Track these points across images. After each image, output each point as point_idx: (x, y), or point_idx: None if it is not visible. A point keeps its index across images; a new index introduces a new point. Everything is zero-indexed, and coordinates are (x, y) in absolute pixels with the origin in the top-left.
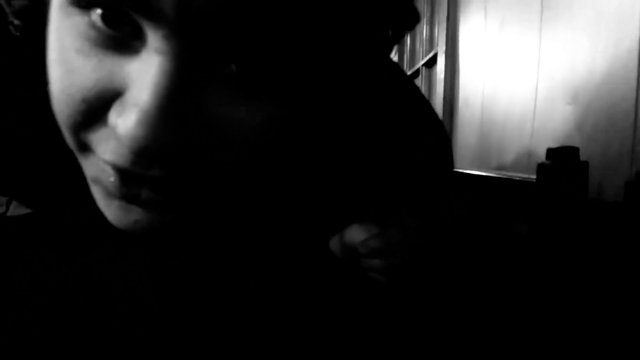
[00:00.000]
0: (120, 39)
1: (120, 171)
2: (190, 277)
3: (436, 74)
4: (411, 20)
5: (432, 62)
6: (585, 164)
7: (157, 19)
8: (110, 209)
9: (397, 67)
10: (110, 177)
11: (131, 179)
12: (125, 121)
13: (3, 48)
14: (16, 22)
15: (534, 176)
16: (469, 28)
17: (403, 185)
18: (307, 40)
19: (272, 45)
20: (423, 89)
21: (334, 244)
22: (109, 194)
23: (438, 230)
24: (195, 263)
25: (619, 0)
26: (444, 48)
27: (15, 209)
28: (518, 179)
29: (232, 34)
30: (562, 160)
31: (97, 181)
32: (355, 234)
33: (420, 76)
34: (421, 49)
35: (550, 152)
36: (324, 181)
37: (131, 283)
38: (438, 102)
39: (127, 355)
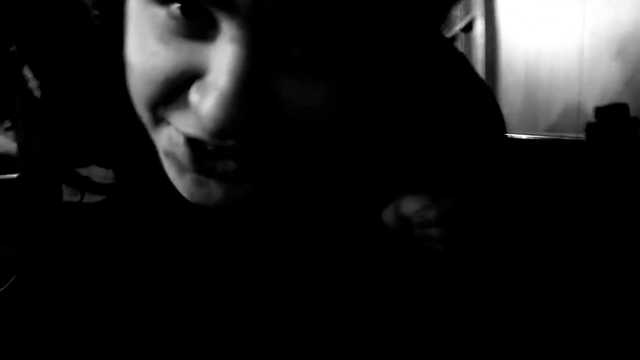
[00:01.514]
0: (197, 28)
1: (197, 144)
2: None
3: (475, 38)
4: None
5: (469, 27)
6: (636, 120)
7: (231, 10)
8: (184, 183)
9: (447, 42)
10: (185, 150)
11: (207, 152)
12: (207, 102)
13: (84, 35)
14: (95, 12)
15: (583, 135)
16: None
17: (454, 154)
18: (361, 22)
19: (332, 28)
20: None
21: (386, 215)
22: (182, 168)
23: (492, 198)
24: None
25: None
26: (482, 11)
27: (89, 197)
28: (568, 139)
29: (298, 21)
30: (611, 118)
31: (170, 154)
32: (409, 204)
33: (458, 42)
34: (457, 14)
35: (598, 110)
36: (375, 155)
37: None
38: (479, 68)
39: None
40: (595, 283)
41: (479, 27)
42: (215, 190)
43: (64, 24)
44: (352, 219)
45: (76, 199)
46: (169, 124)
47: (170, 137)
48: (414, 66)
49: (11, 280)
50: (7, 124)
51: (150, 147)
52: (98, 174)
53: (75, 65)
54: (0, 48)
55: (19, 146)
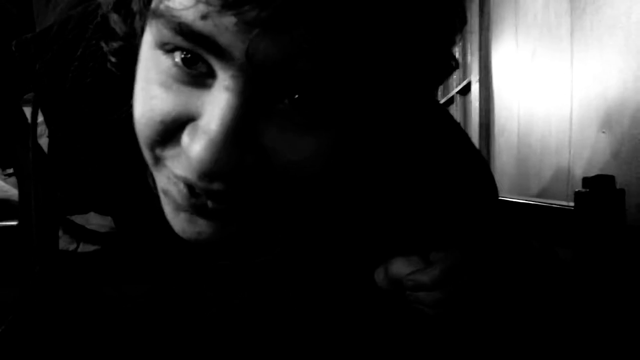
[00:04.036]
0: (196, 76)
1: (187, 185)
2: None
3: (471, 101)
4: (451, 68)
5: (466, 90)
6: (622, 191)
7: (227, 60)
8: (177, 220)
9: (438, 105)
10: (180, 188)
11: (198, 191)
12: (196, 145)
13: (100, 81)
14: (113, 59)
15: (572, 203)
16: (501, 57)
17: (446, 217)
18: (352, 79)
19: (323, 82)
20: (458, 116)
21: (378, 275)
22: (177, 207)
23: (485, 261)
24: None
25: None
26: (477, 77)
27: (84, 247)
28: (557, 206)
29: (290, 74)
30: (598, 189)
31: (167, 193)
32: (400, 267)
33: (454, 103)
34: (455, 76)
35: (586, 180)
36: (365, 210)
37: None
38: (474, 129)
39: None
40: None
41: (475, 91)
42: (205, 228)
43: (83, 70)
44: (344, 275)
45: (72, 247)
46: (165, 165)
47: (168, 177)
48: (408, 127)
49: (6, 323)
50: (9, 170)
51: (147, 194)
52: (96, 222)
53: (88, 114)
54: (12, 96)
55: (21, 193)
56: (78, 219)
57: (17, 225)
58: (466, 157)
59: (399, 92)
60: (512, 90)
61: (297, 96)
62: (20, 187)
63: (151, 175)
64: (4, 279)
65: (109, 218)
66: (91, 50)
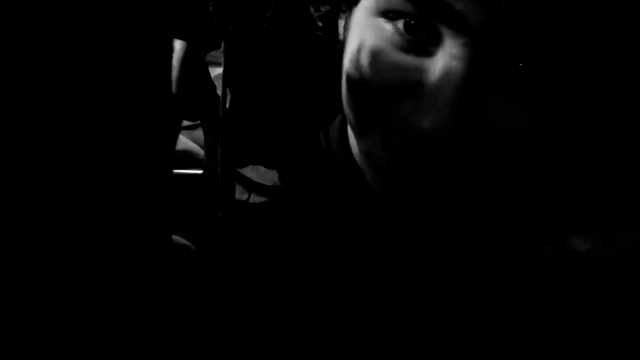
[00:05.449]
0: (418, 43)
1: (397, 151)
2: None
3: None
4: None
5: None
6: None
7: (459, 28)
8: (377, 182)
9: None
10: (388, 154)
11: (408, 158)
12: (419, 114)
13: (287, 42)
14: (320, 24)
15: None
16: None
17: (631, 194)
18: (582, 54)
19: (551, 54)
20: None
21: (549, 250)
22: (382, 171)
23: None
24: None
25: None
26: None
27: (255, 197)
28: None
29: (521, 43)
30: None
31: (370, 156)
32: (578, 242)
33: None
34: None
35: None
36: (549, 184)
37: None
38: None
39: None
40: None
41: None
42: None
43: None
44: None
45: (244, 197)
46: (374, 131)
47: (374, 141)
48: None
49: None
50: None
51: (315, 153)
52: (262, 175)
53: (273, 72)
54: (201, 53)
55: (206, 146)
56: (246, 171)
57: (202, 174)
58: None
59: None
60: None
61: (523, 64)
62: (207, 138)
63: (325, 133)
64: (187, 222)
65: (275, 172)
66: (281, 10)
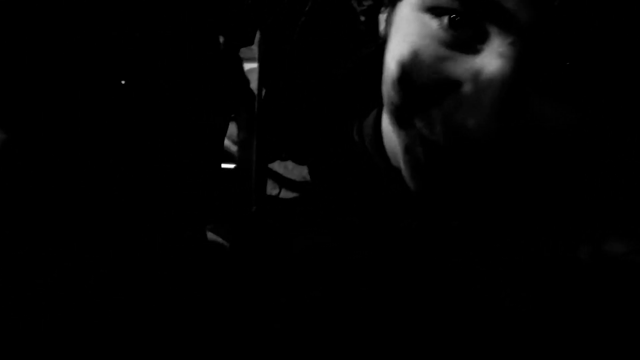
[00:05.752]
0: (463, 40)
1: (437, 147)
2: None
3: None
4: None
5: None
6: None
7: (508, 27)
8: (417, 181)
9: None
10: (427, 150)
11: (447, 156)
12: (465, 114)
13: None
14: (362, 18)
15: None
16: None
17: None
18: (625, 51)
19: (597, 55)
20: None
21: (585, 252)
22: (419, 167)
23: None
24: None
25: None
26: None
27: (285, 193)
28: None
29: (570, 43)
30: None
31: (409, 151)
32: (615, 245)
33: None
34: None
35: None
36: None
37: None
38: None
39: None
40: None
41: None
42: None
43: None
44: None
45: (275, 192)
46: (414, 126)
47: (413, 136)
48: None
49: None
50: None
51: (347, 149)
52: (291, 170)
53: (309, 67)
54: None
55: (240, 141)
56: (275, 166)
57: (234, 168)
58: None
59: None
60: None
61: (570, 64)
62: (240, 132)
63: (359, 129)
64: (219, 216)
65: (303, 168)
66: (320, 5)
